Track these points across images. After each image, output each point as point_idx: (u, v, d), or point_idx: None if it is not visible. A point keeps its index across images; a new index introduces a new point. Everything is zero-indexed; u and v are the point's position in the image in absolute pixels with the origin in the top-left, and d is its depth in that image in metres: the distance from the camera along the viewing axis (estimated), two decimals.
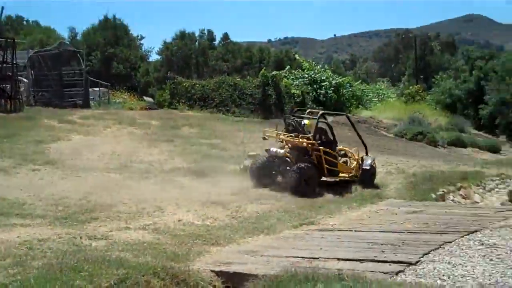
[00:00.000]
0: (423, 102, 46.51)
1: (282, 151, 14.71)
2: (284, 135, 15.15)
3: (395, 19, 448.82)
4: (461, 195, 14.46)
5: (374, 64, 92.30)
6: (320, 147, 14.71)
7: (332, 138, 15.59)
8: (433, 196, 13.47)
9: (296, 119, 15.86)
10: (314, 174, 14.25)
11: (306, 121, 15.66)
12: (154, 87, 50.87)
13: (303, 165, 14.09)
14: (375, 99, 44.87)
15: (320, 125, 15.36)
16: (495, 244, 8.01)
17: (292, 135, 15.02)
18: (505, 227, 9.45)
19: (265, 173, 14.68)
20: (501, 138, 37.81)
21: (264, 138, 15.45)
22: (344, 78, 40.36)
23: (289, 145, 15.02)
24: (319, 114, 15.75)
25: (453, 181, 14.97)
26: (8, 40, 27.65)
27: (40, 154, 16.63)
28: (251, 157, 16.23)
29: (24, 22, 71.12)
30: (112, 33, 56.25)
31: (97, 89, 35.11)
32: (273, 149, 14.75)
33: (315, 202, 12.22)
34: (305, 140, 14.65)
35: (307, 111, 17.61)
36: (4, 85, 26.12)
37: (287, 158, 14.64)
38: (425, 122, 33.01)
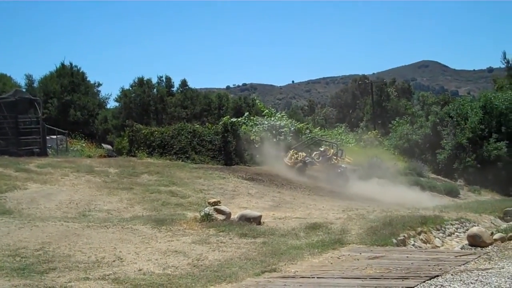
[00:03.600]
0: (381, 147, 47.09)
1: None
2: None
3: (351, 66, 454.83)
4: (421, 239, 14.52)
5: (332, 109, 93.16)
6: None
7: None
8: (394, 241, 13.48)
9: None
10: None
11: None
12: (112, 134, 50.59)
13: None
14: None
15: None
16: None
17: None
18: (466, 271, 9.51)
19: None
20: (459, 182, 38.28)
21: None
22: (303, 124, 40.69)
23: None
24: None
25: (413, 225, 15.04)
26: None
27: None
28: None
29: None
30: (69, 80, 55.94)
31: (54, 136, 34.72)
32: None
33: (277, 248, 12.14)
34: None
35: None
36: None
37: None
38: (384, 167, 33.36)
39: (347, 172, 30.91)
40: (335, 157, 31.46)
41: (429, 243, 14.62)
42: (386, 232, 13.97)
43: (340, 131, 53.97)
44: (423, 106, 51.94)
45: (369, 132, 53.59)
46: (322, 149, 32.16)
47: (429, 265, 10.32)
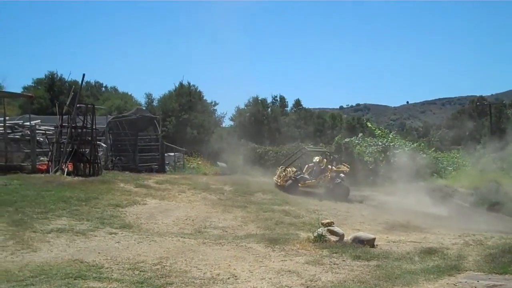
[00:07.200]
0: (500, 171, 45.48)
1: None
2: None
3: (468, 86, 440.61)
4: None
5: (447, 131, 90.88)
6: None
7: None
8: None
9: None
10: None
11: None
12: (227, 152, 51.48)
13: None
14: (450, 168, 44.11)
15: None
16: None
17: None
18: None
19: None
20: None
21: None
22: (417, 143, 39.99)
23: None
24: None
25: None
26: (88, 106, 28.46)
27: (117, 218, 16.99)
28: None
29: (103, 88, 73.46)
30: (187, 99, 57.45)
31: (172, 154, 35.72)
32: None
33: (391, 272, 11.98)
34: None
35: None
36: (83, 150, 26.76)
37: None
38: (503, 191, 32.20)
39: (345, 181, 27.88)
40: (329, 167, 27.99)
41: None
42: (505, 260, 13.50)
43: (458, 154, 52.54)
44: None
45: (487, 155, 51.84)
46: (316, 160, 28.70)
47: None
